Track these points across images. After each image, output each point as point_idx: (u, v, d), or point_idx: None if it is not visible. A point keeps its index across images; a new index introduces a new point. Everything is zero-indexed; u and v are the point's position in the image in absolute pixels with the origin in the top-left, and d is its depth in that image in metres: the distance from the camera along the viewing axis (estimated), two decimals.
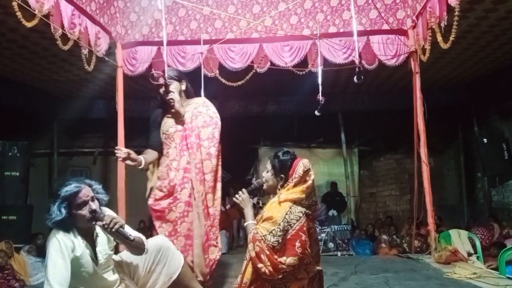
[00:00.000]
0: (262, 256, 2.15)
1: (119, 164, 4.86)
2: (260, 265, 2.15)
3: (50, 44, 5.20)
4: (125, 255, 2.50)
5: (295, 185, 2.27)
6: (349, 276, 3.62)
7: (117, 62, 4.96)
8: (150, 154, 3.12)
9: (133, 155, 2.90)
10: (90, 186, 2.25)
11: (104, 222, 2.13)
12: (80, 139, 9.32)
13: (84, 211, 2.16)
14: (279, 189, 2.34)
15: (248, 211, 2.37)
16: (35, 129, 8.36)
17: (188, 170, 3.03)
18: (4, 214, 6.49)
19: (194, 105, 3.17)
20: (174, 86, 3.11)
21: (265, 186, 2.44)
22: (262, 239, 2.18)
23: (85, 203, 2.16)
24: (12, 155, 6.82)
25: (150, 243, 2.50)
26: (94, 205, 2.19)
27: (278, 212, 2.21)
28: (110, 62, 4.91)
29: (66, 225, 2.16)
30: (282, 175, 2.33)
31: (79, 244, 2.20)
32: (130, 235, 2.17)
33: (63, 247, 2.12)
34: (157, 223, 3.06)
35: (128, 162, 2.90)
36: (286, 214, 2.20)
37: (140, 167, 2.98)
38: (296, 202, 2.25)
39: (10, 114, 7.13)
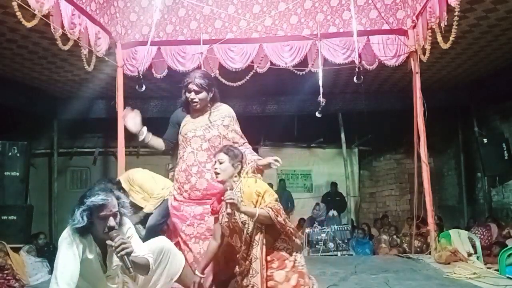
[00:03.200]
0: (286, 221, 2.53)
1: (119, 164, 4.87)
2: (287, 228, 2.52)
3: (50, 44, 5.20)
4: None
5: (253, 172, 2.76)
6: (349, 276, 3.61)
7: (117, 62, 4.96)
8: (157, 140, 3.17)
9: (139, 119, 3.03)
10: (118, 198, 2.25)
11: (113, 243, 2.12)
12: (80, 139, 9.31)
13: (102, 225, 2.16)
14: (236, 176, 2.66)
15: (247, 208, 2.49)
16: (35, 129, 8.36)
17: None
18: (4, 214, 6.49)
19: (220, 113, 3.14)
20: (203, 95, 3.04)
21: (221, 177, 2.65)
22: (279, 207, 2.51)
23: (106, 217, 2.16)
24: (12, 155, 6.82)
25: (152, 244, 2.50)
26: (114, 221, 2.18)
27: (265, 185, 2.63)
28: (110, 62, 4.91)
29: (83, 231, 2.18)
30: (238, 162, 2.67)
31: (91, 248, 2.21)
32: (130, 267, 2.13)
33: (74, 246, 2.14)
34: (178, 226, 3.06)
35: (130, 122, 3.01)
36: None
37: (140, 137, 3.06)
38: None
39: (10, 114, 7.13)
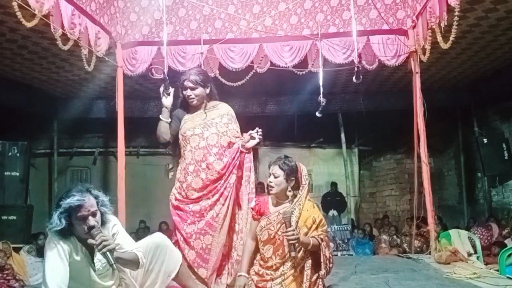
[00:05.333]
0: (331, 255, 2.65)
1: (119, 164, 4.87)
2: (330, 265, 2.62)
3: (50, 44, 5.20)
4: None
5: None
6: (349, 276, 3.61)
7: (117, 62, 4.96)
8: (167, 126, 3.14)
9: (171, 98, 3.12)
10: (96, 197, 2.25)
11: (94, 242, 2.12)
12: (80, 139, 9.32)
13: (82, 226, 2.16)
14: (289, 191, 2.64)
15: (303, 238, 2.51)
16: (35, 129, 8.36)
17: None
18: (4, 214, 6.48)
19: (219, 111, 3.16)
20: (199, 91, 3.08)
21: (275, 190, 2.66)
22: (328, 240, 2.61)
23: (84, 217, 2.16)
24: (12, 155, 6.82)
25: (148, 240, 2.51)
26: (93, 220, 2.18)
27: (320, 214, 2.68)
28: (110, 62, 4.90)
29: (65, 233, 2.18)
30: (293, 178, 2.64)
31: (77, 249, 2.22)
32: (112, 263, 2.14)
33: (60, 250, 2.14)
34: (179, 225, 3.06)
35: (167, 98, 3.11)
36: None
37: (165, 115, 3.10)
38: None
39: (10, 114, 7.13)
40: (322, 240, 2.55)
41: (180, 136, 3.15)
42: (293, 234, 2.42)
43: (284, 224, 2.50)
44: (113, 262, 2.13)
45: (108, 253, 2.12)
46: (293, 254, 2.48)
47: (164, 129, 3.11)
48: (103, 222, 2.28)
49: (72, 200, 2.15)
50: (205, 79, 3.14)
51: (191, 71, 3.17)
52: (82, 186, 2.28)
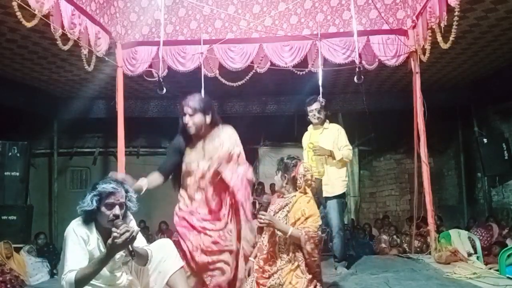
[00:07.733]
0: (315, 252, 2.60)
1: (119, 164, 4.87)
2: (312, 258, 2.62)
3: (50, 44, 5.20)
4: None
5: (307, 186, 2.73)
6: (349, 276, 3.62)
7: (117, 62, 4.96)
8: (154, 178, 2.90)
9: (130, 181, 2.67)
10: (126, 192, 2.38)
11: (117, 231, 2.19)
12: (80, 139, 9.31)
13: (108, 212, 2.27)
14: (283, 187, 2.78)
15: (281, 225, 2.61)
16: (35, 129, 8.35)
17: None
18: (4, 214, 6.49)
19: (219, 139, 2.91)
20: (198, 119, 2.83)
21: (277, 188, 2.87)
22: (315, 236, 2.57)
23: (113, 205, 2.28)
24: (12, 155, 6.82)
25: (156, 242, 2.63)
26: (119, 211, 2.29)
27: (316, 210, 2.70)
28: (110, 62, 4.91)
29: (89, 217, 2.29)
30: (286, 175, 2.76)
31: (93, 239, 2.30)
32: (133, 252, 2.24)
33: (80, 238, 2.25)
34: (185, 236, 2.92)
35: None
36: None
37: (143, 191, 2.79)
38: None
39: (10, 114, 7.13)
40: (305, 233, 2.55)
41: (184, 165, 2.96)
42: (261, 218, 2.57)
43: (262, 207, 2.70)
44: (133, 250, 2.23)
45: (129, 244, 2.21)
46: (258, 237, 2.72)
47: (156, 186, 2.89)
48: (123, 216, 2.37)
49: (108, 186, 2.28)
50: (206, 106, 2.88)
51: (191, 96, 2.92)
52: (117, 178, 2.43)
